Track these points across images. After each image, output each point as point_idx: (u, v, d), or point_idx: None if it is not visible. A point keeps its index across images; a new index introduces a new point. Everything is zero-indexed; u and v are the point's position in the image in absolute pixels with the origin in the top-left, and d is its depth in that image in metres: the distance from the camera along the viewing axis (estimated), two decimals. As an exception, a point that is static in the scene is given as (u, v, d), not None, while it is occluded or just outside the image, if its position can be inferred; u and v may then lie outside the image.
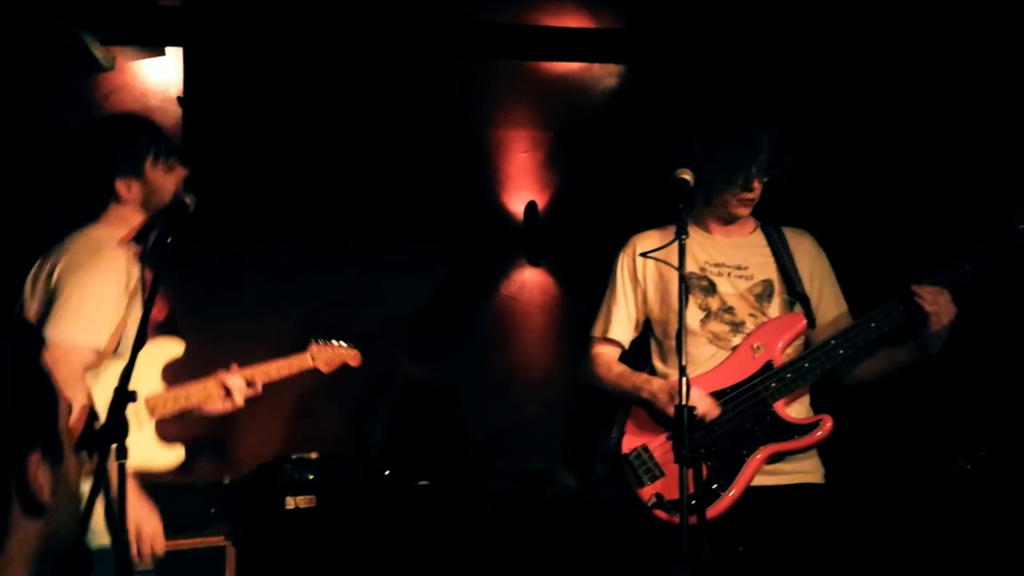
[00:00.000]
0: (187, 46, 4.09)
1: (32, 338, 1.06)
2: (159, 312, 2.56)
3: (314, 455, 4.17)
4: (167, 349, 2.70)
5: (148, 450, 2.58)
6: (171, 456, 2.63)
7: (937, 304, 2.45)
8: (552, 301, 4.80)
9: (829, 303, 2.72)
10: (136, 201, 2.59)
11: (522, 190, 4.73)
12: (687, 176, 2.42)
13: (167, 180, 2.60)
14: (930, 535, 3.03)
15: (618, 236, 3.02)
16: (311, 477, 4.11)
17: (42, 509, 0.96)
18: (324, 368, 3.17)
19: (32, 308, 2.45)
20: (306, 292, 4.43)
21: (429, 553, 4.05)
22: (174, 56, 4.17)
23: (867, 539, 3.04)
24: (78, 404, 2.19)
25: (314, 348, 3.14)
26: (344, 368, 4.31)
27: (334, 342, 3.21)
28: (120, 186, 2.56)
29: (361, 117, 4.37)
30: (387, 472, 4.24)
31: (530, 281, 4.79)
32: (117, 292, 2.45)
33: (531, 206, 4.66)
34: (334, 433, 4.51)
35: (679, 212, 2.38)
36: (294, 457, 4.15)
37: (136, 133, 2.62)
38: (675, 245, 2.38)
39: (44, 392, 1.01)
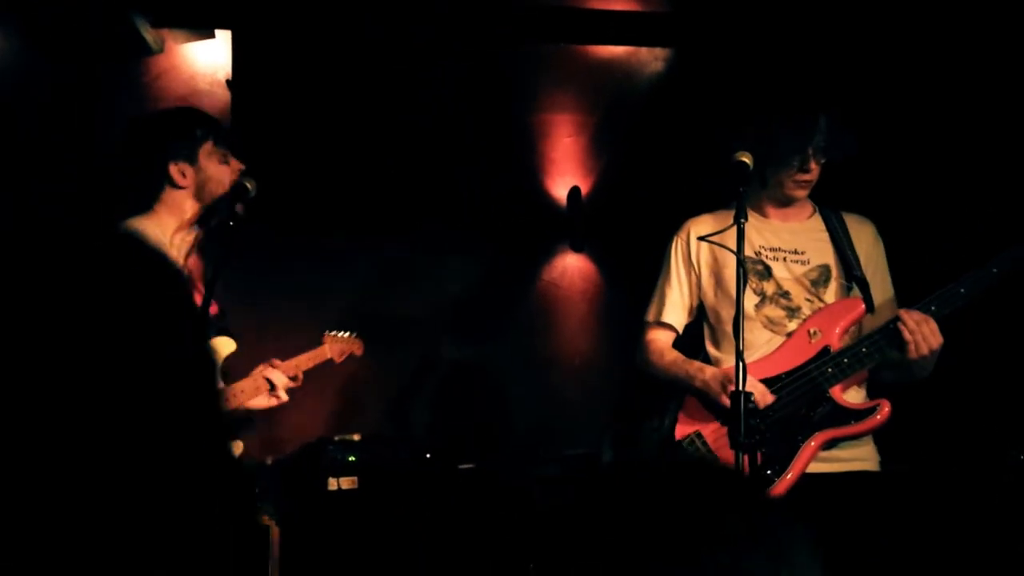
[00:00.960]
0: (236, 29, 4.10)
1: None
2: (213, 309, 2.57)
3: (356, 437, 4.20)
4: (223, 347, 2.74)
5: None
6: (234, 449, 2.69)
7: (919, 333, 2.43)
8: (594, 288, 4.78)
9: (881, 290, 2.69)
10: (190, 188, 2.58)
11: (566, 175, 4.70)
12: (746, 159, 2.40)
13: (222, 171, 2.60)
14: (984, 526, 2.98)
15: (661, 222, 3.00)
16: (353, 459, 4.14)
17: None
18: (337, 358, 3.35)
19: None
20: (351, 277, 4.45)
21: (470, 537, 4.06)
22: (223, 39, 4.19)
23: (922, 528, 3.00)
24: None
25: (328, 339, 3.31)
26: (387, 352, 4.39)
27: (343, 333, 3.40)
28: (174, 171, 2.55)
29: (409, 102, 4.36)
30: (428, 455, 4.26)
31: (572, 267, 4.77)
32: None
33: (574, 191, 4.64)
34: (377, 416, 4.53)
35: (740, 195, 2.36)
36: (336, 439, 4.18)
37: (192, 121, 2.64)
38: (732, 229, 2.37)
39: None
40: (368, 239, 4.47)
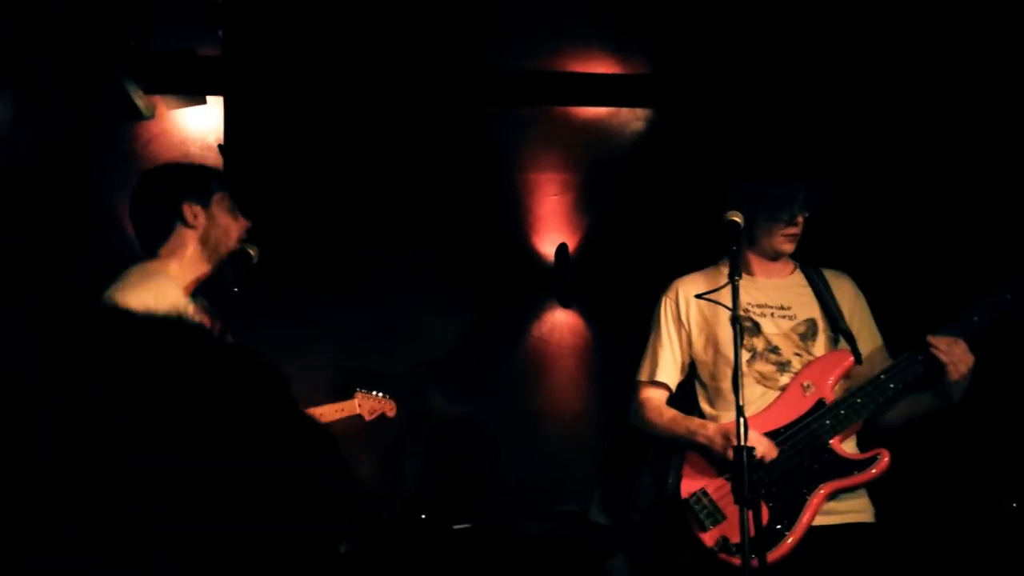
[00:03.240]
0: (228, 95, 4.17)
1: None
2: None
3: (348, 498, 4.18)
4: None
5: None
6: None
7: (953, 354, 2.48)
8: (583, 343, 4.82)
9: (869, 340, 2.76)
10: (199, 230, 2.58)
11: (552, 232, 4.78)
12: (737, 218, 2.48)
13: (230, 223, 2.62)
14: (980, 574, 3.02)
15: (648, 278, 3.06)
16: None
17: None
18: (367, 416, 3.42)
19: None
20: (340, 334, 4.46)
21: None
22: (214, 104, 4.25)
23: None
24: None
25: (360, 396, 3.39)
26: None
27: (375, 392, 3.46)
28: (187, 211, 2.56)
29: (395, 163, 4.43)
30: (423, 516, 4.24)
31: (561, 323, 4.82)
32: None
33: (562, 248, 4.71)
34: (366, 474, 4.51)
35: (733, 254, 2.43)
36: (328, 500, 4.15)
37: (207, 172, 2.73)
38: (723, 286, 2.44)
39: None
40: (357, 297, 4.50)
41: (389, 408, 3.49)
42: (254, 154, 4.28)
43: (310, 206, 4.34)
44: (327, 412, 3.10)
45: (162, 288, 2.43)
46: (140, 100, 4.07)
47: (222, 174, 2.81)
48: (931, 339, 2.51)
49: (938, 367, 2.50)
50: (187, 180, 2.63)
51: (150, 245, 2.60)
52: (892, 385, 2.57)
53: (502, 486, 4.61)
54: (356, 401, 3.33)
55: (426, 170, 4.45)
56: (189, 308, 2.51)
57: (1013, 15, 3.40)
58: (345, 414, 3.24)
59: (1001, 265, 2.63)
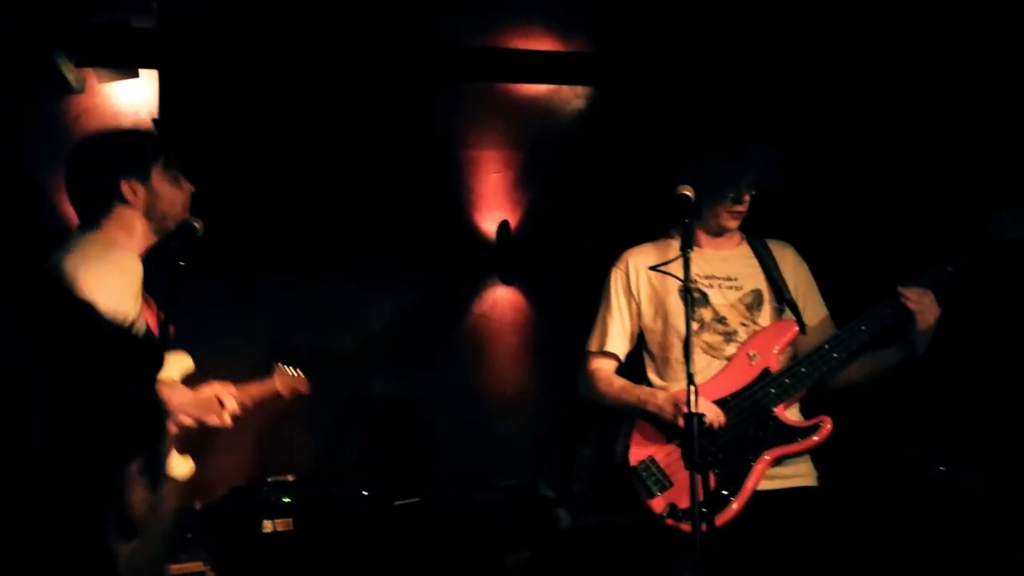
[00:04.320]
0: (162, 68, 4.05)
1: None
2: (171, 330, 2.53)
3: (290, 478, 4.14)
4: (182, 362, 2.75)
5: (171, 461, 2.60)
6: (186, 467, 2.63)
7: (922, 304, 2.56)
8: (524, 319, 4.86)
9: (813, 310, 2.83)
10: (140, 206, 2.50)
11: (494, 210, 4.79)
12: (688, 192, 2.51)
13: (174, 192, 2.54)
14: (914, 537, 3.14)
15: (591, 254, 3.10)
16: (288, 500, 4.07)
17: (134, 532, 0.89)
18: (285, 394, 3.35)
19: None
20: (278, 312, 4.42)
21: (409, 574, 4.04)
22: (147, 78, 4.13)
23: (859, 541, 3.15)
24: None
25: (278, 373, 3.33)
26: (318, 388, 4.36)
27: (292, 370, 3.40)
28: (125, 188, 2.47)
29: (334, 139, 4.38)
30: (365, 493, 4.23)
31: (502, 299, 4.84)
32: (134, 292, 2.37)
33: (504, 225, 4.72)
34: (309, 455, 4.48)
35: (685, 226, 2.47)
36: (270, 480, 4.11)
37: (144, 140, 2.59)
38: (673, 258, 2.48)
39: (148, 394, 0.95)
40: (296, 274, 4.45)
41: (303, 386, 3.44)
42: (189, 130, 4.18)
43: (247, 184, 4.26)
44: (254, 391, 3.04)
45: (124, 263, 2.38)
46: (70, 73, 3.93)
47: (161, 138, 2.69)
48: (901, 289, 2.59)
49: (907, 317, 2.58)
50: (123, 154, 2.52)
51: (91, 219, 2.53)
52: (836, 355, 2.64)
53: (444, 462, 4.63)
54: (276, 380, 3.28)
55: (366, 147, 4.42)
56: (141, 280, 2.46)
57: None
58: (266, 393, 3.18)
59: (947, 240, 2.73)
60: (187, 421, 2.54)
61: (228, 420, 2.78)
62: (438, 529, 4.12)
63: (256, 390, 3.07)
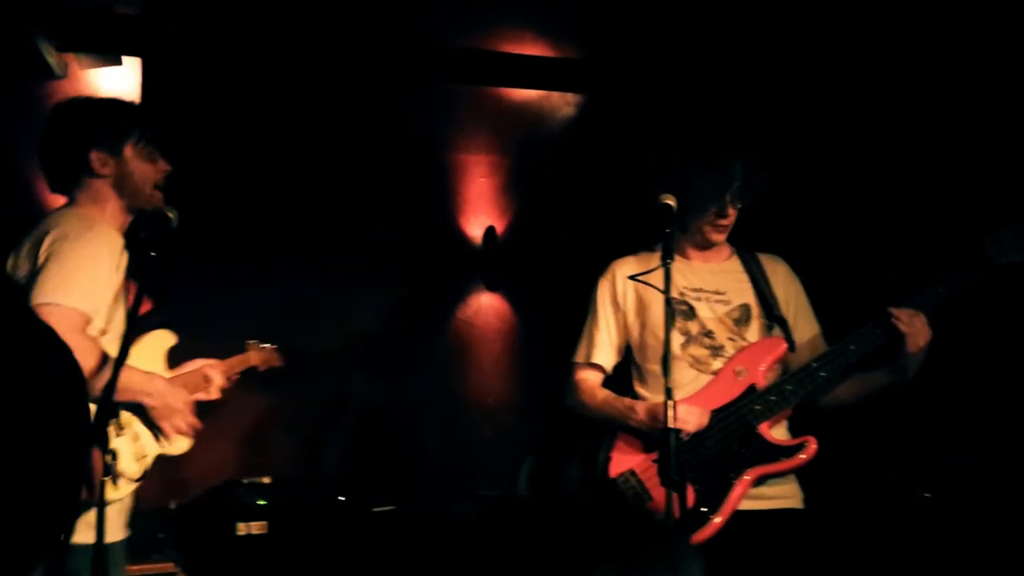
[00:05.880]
0: (145, 56, 3.98)
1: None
2: (146, 306, 2.50)
3: (266, 480, 4.07)
4: (164, 340, 2.74)
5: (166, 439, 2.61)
6: (183, 442, 2.62)
7: (913, 326, 2.51)
8: (508, 327, 4.80)
9: (804, 327, 2.78)
10: (110, 180, 2.46)
11: (480, 215, 4.73)
12: (671, 201, 2.46)
13: (146, 169, 2.49)
14: (900, 562, 3.10)
15: (576, 262, 3.06)
16: (263, 502, 4.00)
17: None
18: (260, 366, 3.46)
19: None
20: (260, 312, 4.32)
21: (382, 581, 3.97)
22: (129, 66, 4.05)
23: (846, 566, 3.10)
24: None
25: (252, 347, 3.43)
26: (297, 390, 4.29)
27: (265, 344, 3.52)
28: (95, 158, 2.43)
29: (321, 135, 4.31)
30: (342, 498, 4.15)
31: (487, 306, 4.78)
32: (110, 267, 2.33)
33: (490, 231, 4.67)
34: (286, 457, 4.40)
35: (667, 236, 2.42)
36: (245, 482, 4.04)
37: (120, 111, 2.53)
38: (658, 270, 2.43)
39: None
40: (279, 274, 4.37)
41: (276, 359, 3.58)
42: (171, 120, 4.09)
43: (230, 177, 4.19)
44: (234, 364, 3.12)
45: (106, 236, 2.37)
46: (52, 58, 3.85)
47: (138, 112, 2.60)
48: (893, 310, 2.54)
49: (898, 338, 2.52)
50: (95, 124, 2.47)
51: (62, 189, 2.49)
52: (824, 374, 2.59)
53: (424, 469, 4.56)
54: (251, 353, 3.40)
55: (353, 145, 4.35)
56: (123, 257, 2.42)
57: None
58: (244, 366, 3.29)
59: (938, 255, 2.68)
60: (163, 405, 2.48)
61: (216, 393, 2.87)
62: (413, 538, 4.05)
63: (235, 363, 3.16)
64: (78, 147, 2.44)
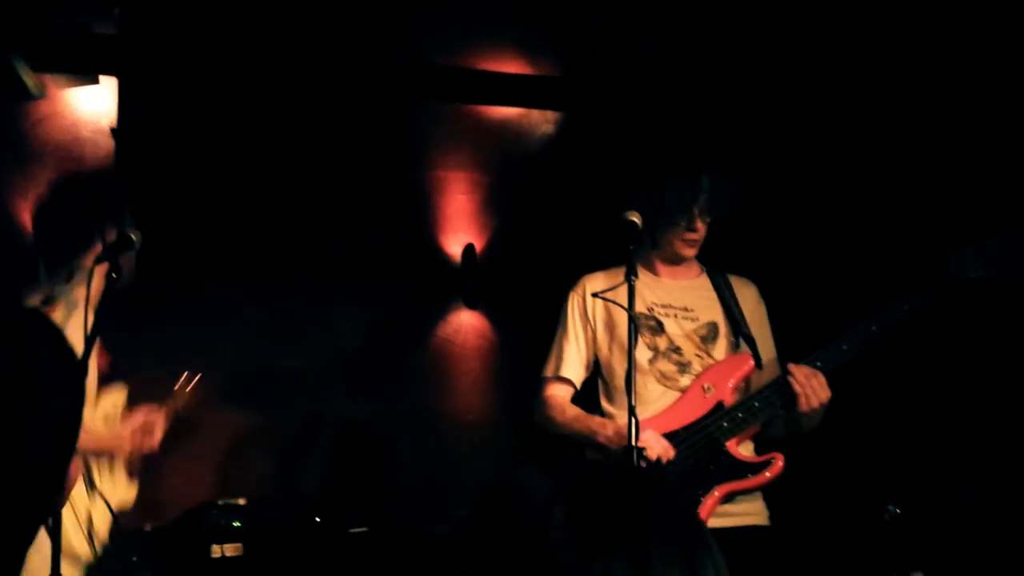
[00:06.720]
0: (122, 76, 3.98)
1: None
2: (103, 362, 2.55)
3: (242, 501, 4.03)
4: (114, 398, 2.84)
5: (120, 487, 2.71)
6: (133, 492, 2.64)
7: (808, 386, 2.51)
8: (488, 345, 4.77)
9: (765, 350, 2.79)
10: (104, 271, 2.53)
11: (459, 232, 4.72)
12: (635, 218, 2.47)
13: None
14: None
15: (555, 281, 3.05)
16: (238, 524, 3.96)
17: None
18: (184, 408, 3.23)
19: None
20: (238, 330, 4.31)
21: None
22: (107, 85, 4.05)
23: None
24: None
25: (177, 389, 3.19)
26: (274, 409, 4.27)
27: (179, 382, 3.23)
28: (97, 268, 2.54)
29: (297, 153, 4.30)
30: (318, 519, 4.12)
31: (466, 324, 4.76)
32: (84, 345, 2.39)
33: (469, 249, 4.65)
34: (263, 478, 4.36)
35: (629, 253, 2.42)
36: (220, 503, 4.00)
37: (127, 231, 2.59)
38: (624, 285, 2.43)
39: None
40: (257, 291, 4.35)
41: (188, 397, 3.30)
42: (148, 140, 4.10)
43: (207, 195, 4.18)
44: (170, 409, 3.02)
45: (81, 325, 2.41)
46: (29, 78, 3.85)
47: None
48: (791, 367, 2.55)
49: (791, 395, 2.52)
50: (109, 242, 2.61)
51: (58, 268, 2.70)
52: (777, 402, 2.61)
53: (401, 489, 4.52)
54: (176, 398, 3.13)
55: (332, 163, 4.34)
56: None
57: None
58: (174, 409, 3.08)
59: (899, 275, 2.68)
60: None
61: (155, 444, 2.86)
62: (391, 559, 4.01)
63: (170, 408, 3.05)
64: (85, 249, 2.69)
